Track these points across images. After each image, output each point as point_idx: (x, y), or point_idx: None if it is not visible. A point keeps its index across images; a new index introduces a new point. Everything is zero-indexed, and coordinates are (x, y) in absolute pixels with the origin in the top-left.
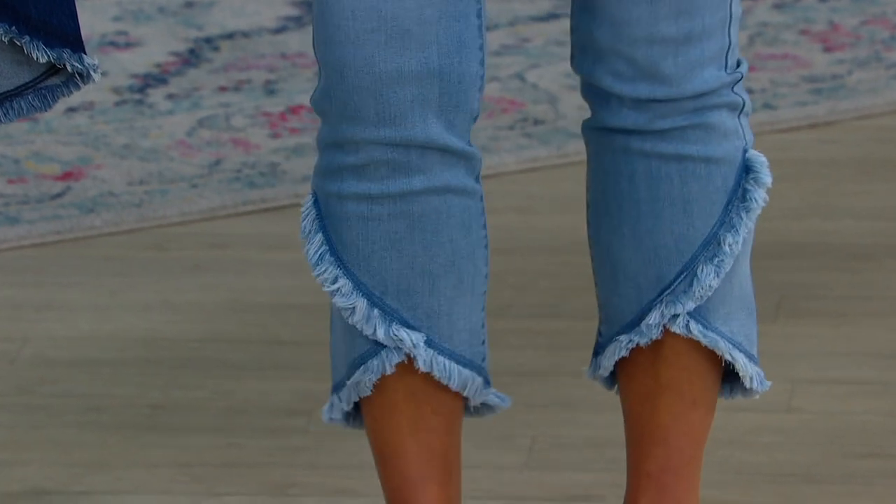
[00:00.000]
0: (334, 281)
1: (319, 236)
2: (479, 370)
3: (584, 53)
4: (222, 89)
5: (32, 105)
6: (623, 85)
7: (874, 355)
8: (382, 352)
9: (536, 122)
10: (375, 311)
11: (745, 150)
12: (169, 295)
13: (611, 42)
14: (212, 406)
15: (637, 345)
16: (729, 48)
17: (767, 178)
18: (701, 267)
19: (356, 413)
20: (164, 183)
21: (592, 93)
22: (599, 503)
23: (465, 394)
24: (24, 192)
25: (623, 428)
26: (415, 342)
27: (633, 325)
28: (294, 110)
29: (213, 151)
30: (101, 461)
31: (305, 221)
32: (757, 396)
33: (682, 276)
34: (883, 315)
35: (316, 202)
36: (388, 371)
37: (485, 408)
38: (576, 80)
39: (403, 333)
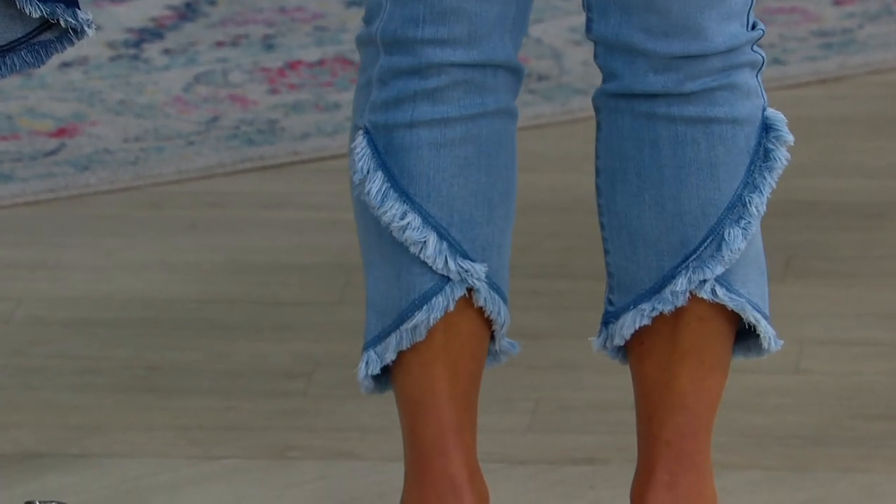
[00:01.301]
0: (403, 216)
1: (380, 174)
2: (508, 308)
3: (606, 15)
4: (219, 44)
5: (25, 61)
6: (656, 42)
7: (884, 316)
8: (447, 286)
9: (540, 78)
10: (445, 243)
11: (765, 109)
12: (166, 255)
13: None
14: (209, 368)
15: (660, 312)
16: (751, 5)
17: (789, 135)
18: (728, 230)
19: (383, 373)
20: (161, 140)
21: (614, 57)
22: (603, 466)
23: (503, 332)
24: (18, 150)
25: (628, 391)
26: (479, 274)
27: (655, 291)
28: (293, 66)
29: (210, 108)
30: (96, 424)
31: (361, 162)
32: (765, 356)
33: (709, 241)
34: (894, 275)
35: (370, 140)
36: (452, 307)
37: (493, 357)
38: (580, 35)
39: (468, 264)
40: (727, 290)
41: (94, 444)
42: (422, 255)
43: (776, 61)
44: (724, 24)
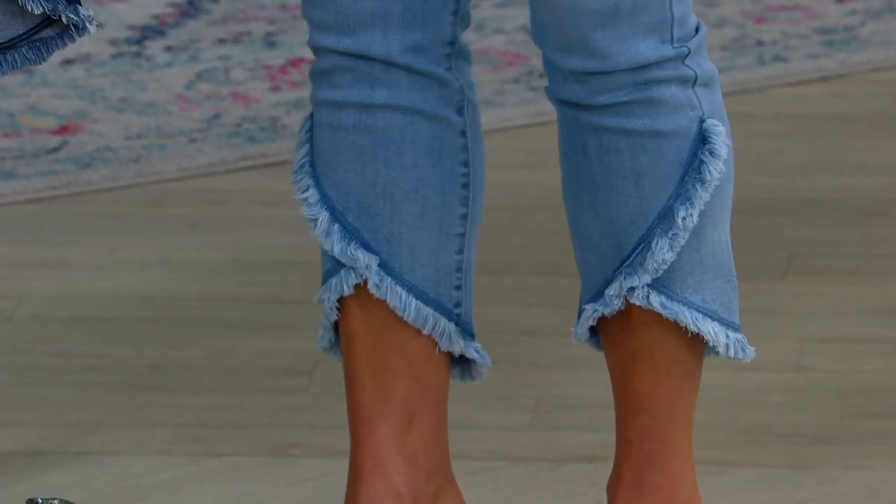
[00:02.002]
0: (305, 190)
1: (307, 146)
2: (449, 314)
3: (534, 23)
4: (221, 42)
5: (26, 57)
6: (562, 56)
7: (886, 313)
8: (342, 270)
9: (542, 75)
10: (336, 226)
11: (703, 121)
12: (167, 252)
13: (547, 11)
14: (211, 366)
15: (602, 314)
16: (672, 22)
17: (722, 149)
18: (656, 240)
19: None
20: (163, 138)
21: (545, 63)
22: (605, 463)
23: (425, 332)
24: (20, 147)
25: None
26: (367, 263)
27: (598, 294)
28: (295, 63)
29: (212, 105)
30: (98, 421)
31: (300, 132)
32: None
33: (640, 249)
34: (895, 272)
35: (311, 114)
36: (346, 292)
37: (474, 369)
38: None
39: (360, 253)
40: (667, 296)
41: (95, 441)
42: (312, 232)
43: (778, 59)
44: (629, 42)
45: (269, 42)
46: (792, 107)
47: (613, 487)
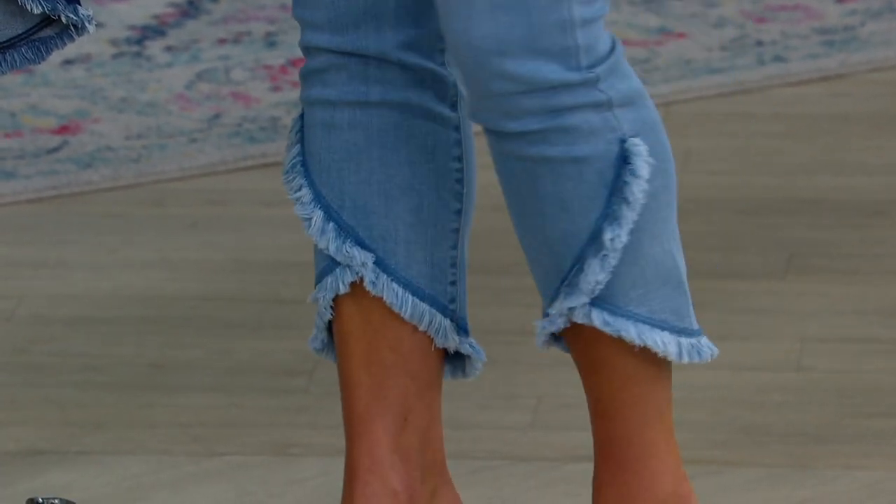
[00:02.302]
0: (298, 189)
1: (298, 147)
2: (444, 310)
3: (447, 48)
4: (221, 41)
5: (26, 57)
6: (468, 81)
7: (886, 313)
8: (337, 269)
9: None
10: (331, 224)
11: (623, 141)
12: (168, 252)
13: (449, 37)
14: (211, 365)
15: (550, 332)
16: (578, 50)
17: (643, 169)
18: (588, 261)
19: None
20: (163, 137)
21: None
22: None
23: (422, 329)
24: (20, 147)
25: None
26: (363, 261)
27: (546, 311)
28: (295, 63)
29: (212, 105)
30: (98, 421)
31: (290, 133)
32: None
33: (574, 269)
34: (895, 272)
35: (301, 114)
36: (342, 290)
37: (468, 366)
38: None
39: (355, 251)
40: (611, 312)
41: (95, 441)
42: (307, 232)
43: (778, 59)
44: (529, 67)
45: (270, 42)
46: (792, 107)
47: (594, 489)
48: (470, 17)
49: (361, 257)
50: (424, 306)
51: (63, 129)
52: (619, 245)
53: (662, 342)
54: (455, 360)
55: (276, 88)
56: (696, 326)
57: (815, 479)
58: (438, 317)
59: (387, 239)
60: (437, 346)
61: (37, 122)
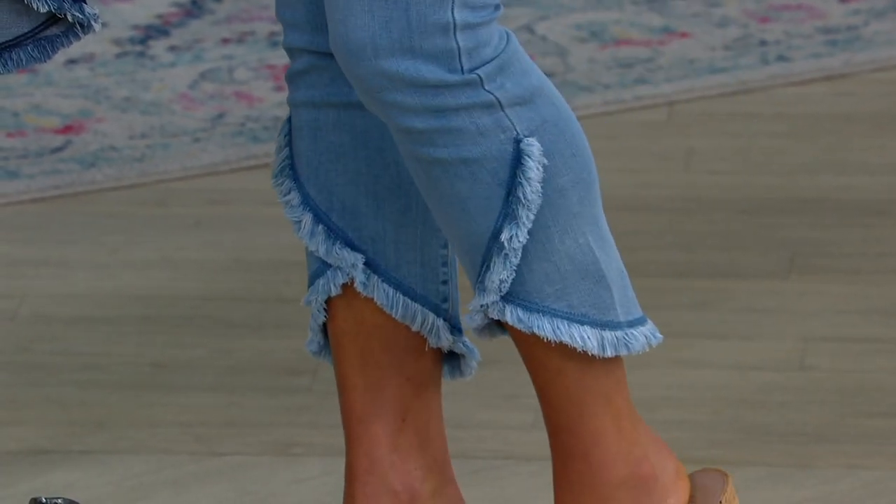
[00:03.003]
0: (288, 193)
1: (286, 150)
2: (437, 310)
3: None
4: (225, 41)
5: (31, 56)
6: (350, 79)
7: (888, 313)
8: (328, 271)
9: (548, 74)
10: (320, 226)
11: (518, 141)
12: (170, 252)
13: (329, 25)
14: (213, 365)
15: (475, 327)
16: (459, 52)
17: (533, 170)
18: (493, 260)
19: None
20: (166, 137)
21: None
22: None
23: (414, 329)
24: (24, 146)
25: (632, 386)
26: (353, 262)
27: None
28: None
29: (215, 105)
30: (100, 420)
31: (279, 136)
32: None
33: (483, 268)
34: None
35: (289, 117)
36: (334, 292)
37: (464, 365)
38: (586, 33)
39: (345, 253)
40: (525, 308)
41: (97, 440)
42: (297, 235)
43: (781, 58)
44: (404, 66)
45: (273, 42)
46: (795, 106)
47: (553, 478)
48: (349, 10)
49: (351, 259)
50: (416, 306)
51: (66, 129)
52: (517, 245)
53: (581, 337)
54: (452, 359)
55: (279, 88)
56: (622, 318)
57: (816, 478)
58: (431, 316)
59: (376, 240)
60: (431, 346)
61: (40, 122)
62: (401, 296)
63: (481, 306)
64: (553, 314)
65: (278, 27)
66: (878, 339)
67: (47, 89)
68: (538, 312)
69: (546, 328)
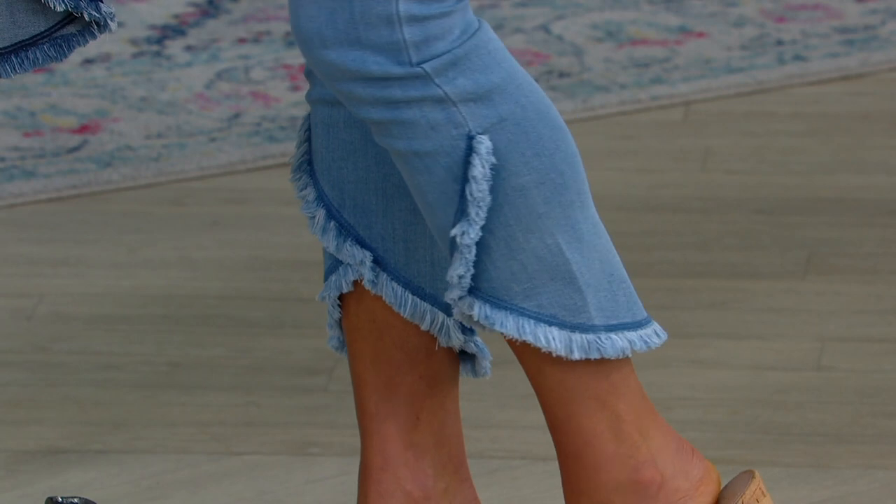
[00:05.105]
0: (303, 188)
1: (305, 145)
2: (446, 309)
3: None
4: (241, 41)
5: (48, 55)
6: (310, 64)
7: None
8: (340, 268)
9: (562, 74)
10: (332, 223)
11: (471, 138)
12: (187, 251)
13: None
14: (230, 364)
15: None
16: (405, 45)
17: (479, 169)
18: (453, 255)
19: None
20: (183, 137)
21: None
22: None
23: (423, 328)
24: (41, 146)
25: (647, 386)
26: (362, 259)
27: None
28: None
29: (232, 105)
30: (118, 419)
31: (299, 131)
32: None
33: (450, 262)
34: None
35: (309, 113)
36: (345, 289)
37: (477, 364)
38: (602, 32)
39: (355, 250)
40: (493, 305)
41: (115, 439)
42: (311, 230)
43: (798, 58)
44: (351, 56)
45: (289, 41)
46: (812, 106)
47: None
48: (299, 1)
49: (360, 256)
50: (426, 305)
51: (83, 129)
52: (469, 241)
53: (545, 337)
54: (466, 358)
55: (295, 88)
56: (597, 322)
57: (834, 478)
58: (440, 316)
59: (385, 238)
60: (441, 345)
61: (57, 122)
62: (409, 294)
63: (452, 300)
64: (520, 312)
65: None
66: None
67: (64, 89)
68: (505, 310)
69: (509, 326)
